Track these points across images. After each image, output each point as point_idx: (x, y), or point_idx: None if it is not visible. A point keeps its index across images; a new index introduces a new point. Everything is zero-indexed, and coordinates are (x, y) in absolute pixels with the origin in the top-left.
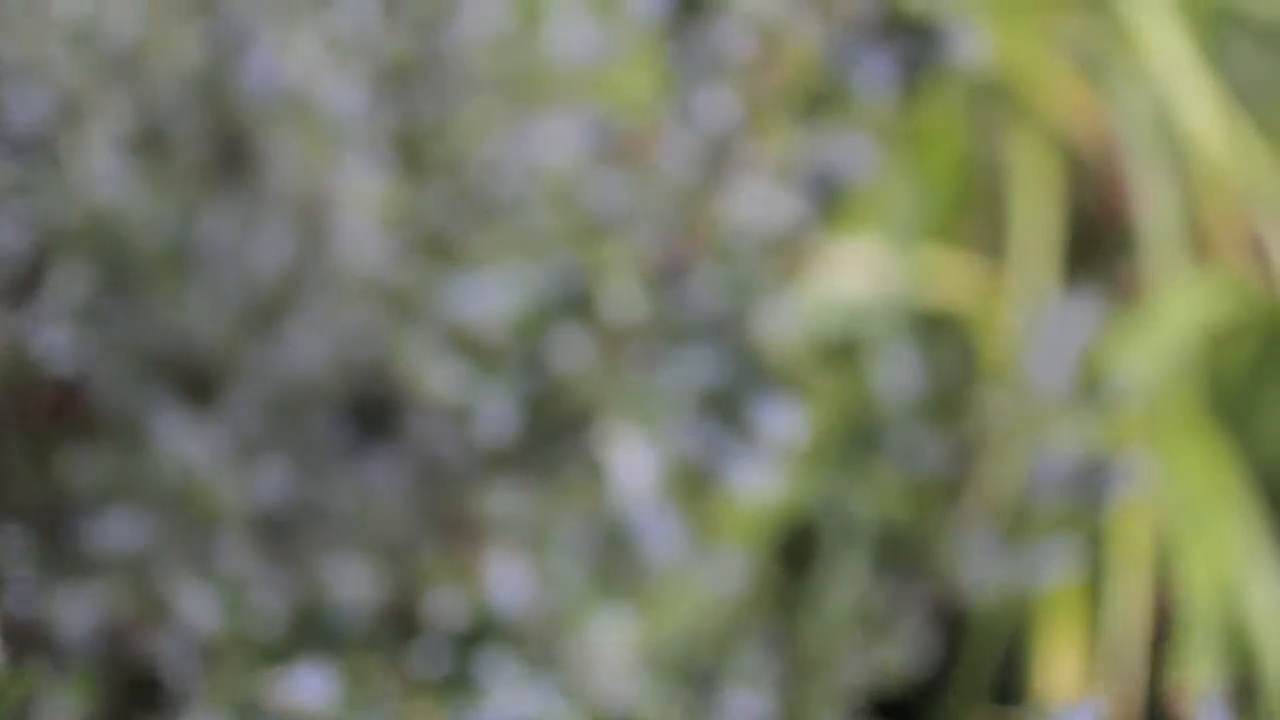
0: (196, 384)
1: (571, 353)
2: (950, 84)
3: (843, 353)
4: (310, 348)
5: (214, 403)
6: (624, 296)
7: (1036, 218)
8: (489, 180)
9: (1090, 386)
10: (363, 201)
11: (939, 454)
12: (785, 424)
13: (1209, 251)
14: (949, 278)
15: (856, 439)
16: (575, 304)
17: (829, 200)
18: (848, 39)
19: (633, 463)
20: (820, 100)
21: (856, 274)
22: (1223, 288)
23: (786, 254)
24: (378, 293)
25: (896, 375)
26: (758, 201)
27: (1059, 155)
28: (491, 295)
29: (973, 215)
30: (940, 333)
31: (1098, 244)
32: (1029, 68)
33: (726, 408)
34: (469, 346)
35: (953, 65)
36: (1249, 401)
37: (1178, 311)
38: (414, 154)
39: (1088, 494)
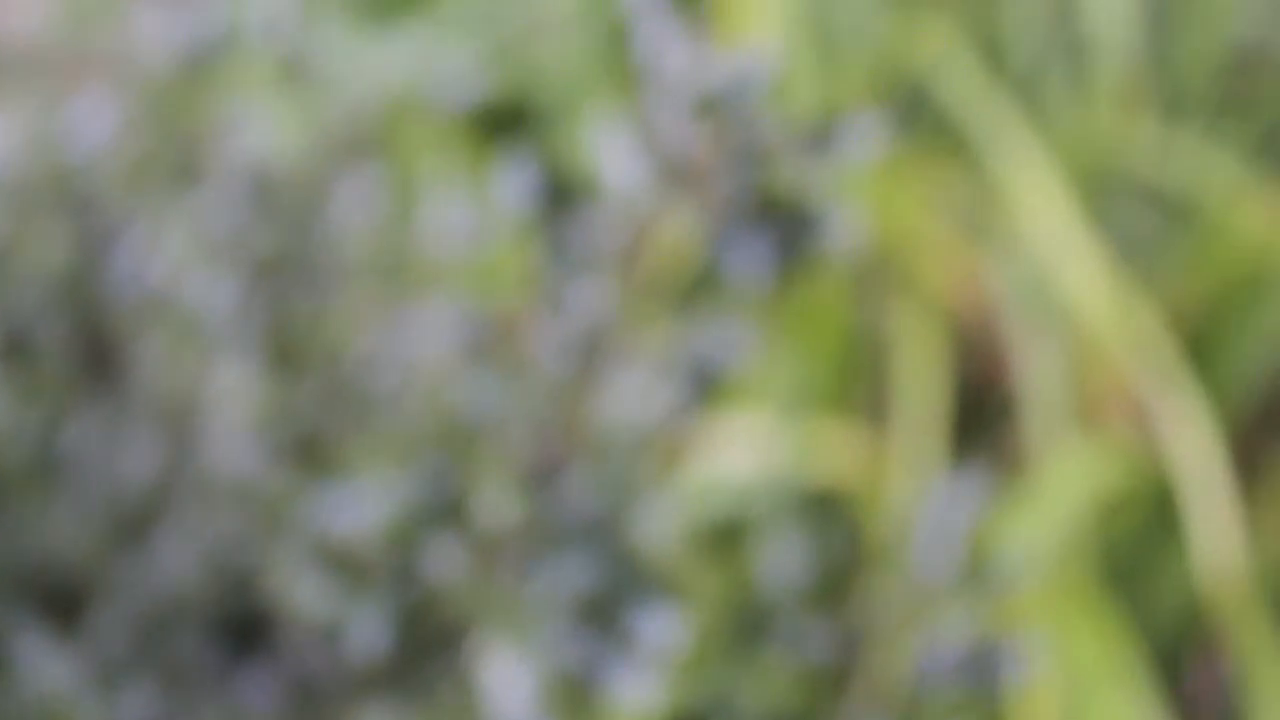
0: (60, 602)
1: (444, 562)
2: (829, 260)
3: (726, 539)
4: (179, 561)
5: (78, 622)
6: (497, 500)
7: (921, 390)
8: (362, 377)
9: (979, 564)
10: (233, 403)
11: (827, 641)
12: (665, 629)
13: (1095, 418)
14: (834, 454)
15: (742, 631)
16: (447, 510)
17: (708, 387)
18: (722, 224)
19: (508, 678)
20: (696, 286)
21: (739, 454)
22: (1110, 456)
23: (665, 444)
24: (248, 501)
25: (782, 560)
26: (634, 394)
27: (942, 324)
28: (361, 504)
29: (857, 388)
30: (826, 512)
31: (983, 414)
32: (909, 237)
33: (604, 615)
34: (339, 558)
35: (830, 244)
36: (1140, 570)
37: (1065, 482)
38: (286, 351)
39: (981, 678)
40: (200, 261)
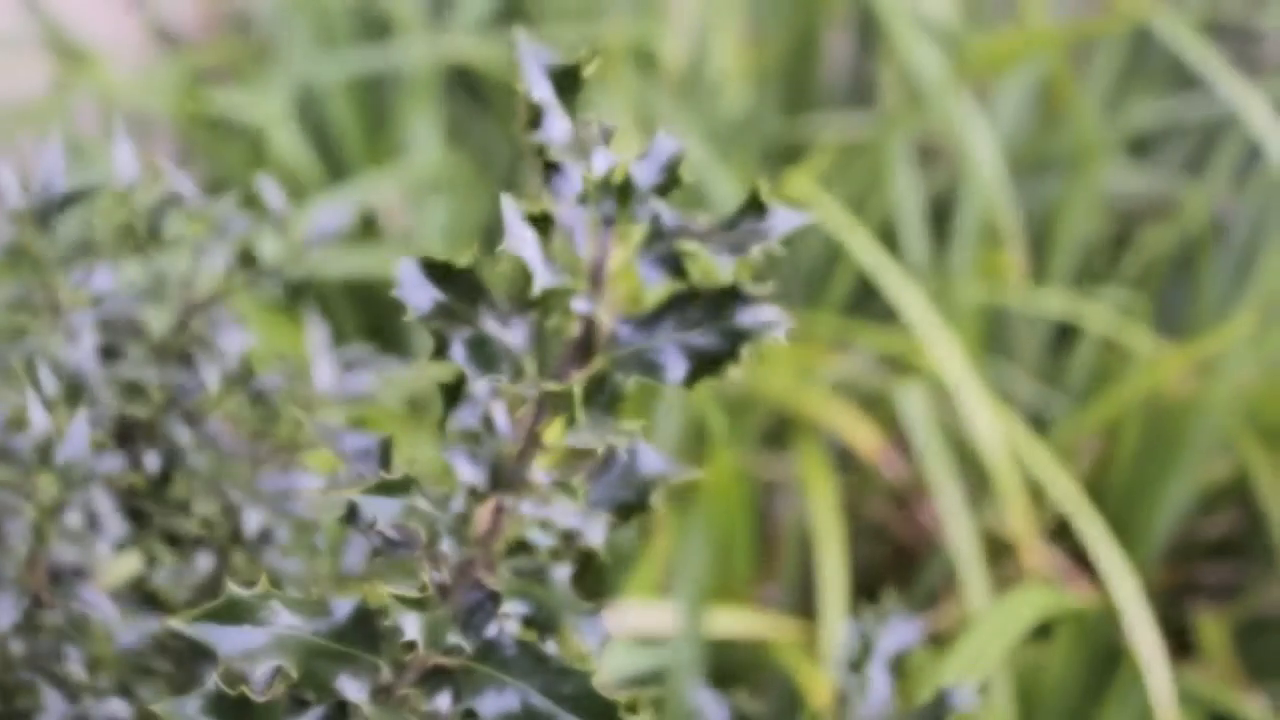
0: None
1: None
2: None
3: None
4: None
5: None
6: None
7: (837, 547)
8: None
9: (914, 707)
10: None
11: None
12: None
13: (1010, 558)
14: (753, 624)
15: None
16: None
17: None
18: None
19: None
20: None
21: (661, 616)
22: (1028, 593)
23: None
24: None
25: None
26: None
27: (857, 482)
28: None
29: (772, 560)
30: (756, 668)
31: (905, 564)
32: (817, 403)
33: None
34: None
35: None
36: (1065, 702)
37: (987, 623)
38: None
39: None
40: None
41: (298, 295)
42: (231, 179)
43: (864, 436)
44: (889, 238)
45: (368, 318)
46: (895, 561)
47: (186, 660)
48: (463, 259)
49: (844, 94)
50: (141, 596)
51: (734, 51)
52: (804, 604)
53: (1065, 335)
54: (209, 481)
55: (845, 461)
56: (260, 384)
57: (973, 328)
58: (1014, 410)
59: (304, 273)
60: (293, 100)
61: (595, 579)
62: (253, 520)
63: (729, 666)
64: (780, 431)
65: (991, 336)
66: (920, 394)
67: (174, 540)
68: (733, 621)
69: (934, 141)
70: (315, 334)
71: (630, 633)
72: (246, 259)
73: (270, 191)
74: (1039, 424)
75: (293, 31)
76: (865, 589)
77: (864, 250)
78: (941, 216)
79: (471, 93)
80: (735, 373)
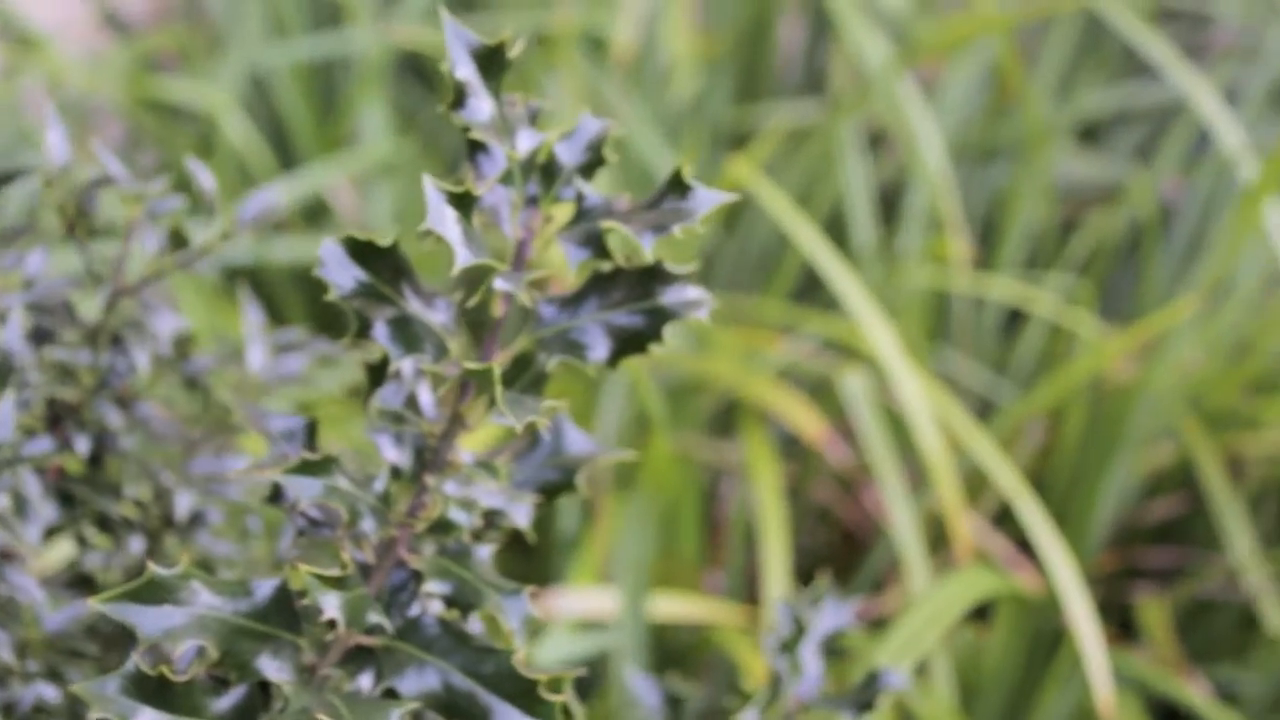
0: None
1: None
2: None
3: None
4: None
5: None
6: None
7: (780, 532)
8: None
9: (847, 688)
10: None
11: None
12: None
13: (948, 545)
14: (697, 609)
15: None
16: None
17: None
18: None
19: None
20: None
21: (603, 599)
22: (966, 577)
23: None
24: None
25: (641, 697)
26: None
27: (804, 467)
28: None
29: (720, 545)
30: (696, 659)
31: (853, 549)
32: (763, 388)
33: None
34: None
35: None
36: (1005, 684)
37: (924, 606)
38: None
39: None
40: None
41: (241, 279)
42: (182, 166)
43: (809, 422)
44: (839, 224)
45: (316, 304)
46: (843, 546)
47: (116, 643)
48: (386, 239)
49: (798, 81)
50: (74, 580)
51: (685, 38)
52: (751, 588)
53: (1015, 321)
54: (140, 464)
55: (793, 447)
56: (192, 367)
57: (921, 313)
58: (962, 396)
59: (247, 257)
60: (243, 87)
61: (539, 563)
62: (184, 503)
63: (674, 651)
64: (728, 417)
65: (941, 322)
66: (862, 380)
67: (105, 524)
68: (676, 606)
69: (885, 128)
70: (250, 317)
71: (572, 617)
72: (178, 241)
73: (202, 175)
74: (988, 409)
75: (243, 19)
76: (812, 574)
77: (805, 236)
78: (892, 202)
79: (420, 79)
80: (682, 358)
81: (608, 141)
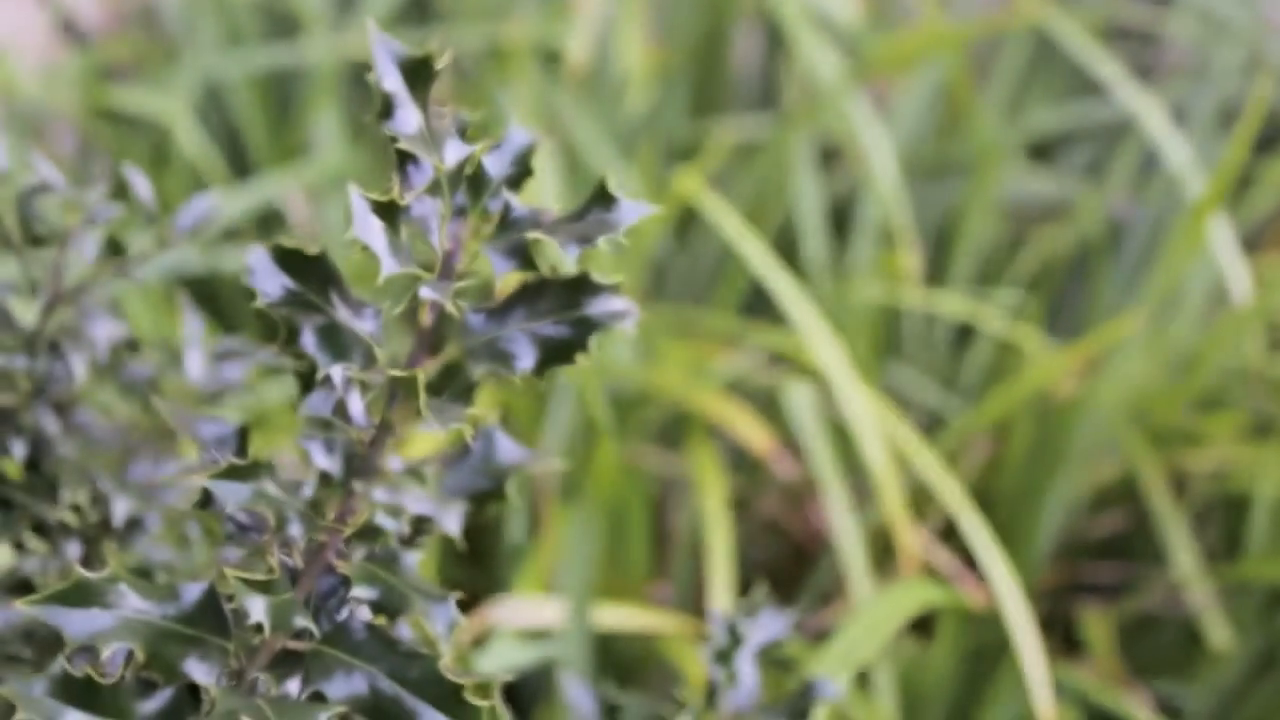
0: None
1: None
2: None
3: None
4: None
5: None
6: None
7: (726, 544)
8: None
9: (782, 697)
10: None
11: None
12: None
13: (893, 557)
14: (643, 619)
15: None
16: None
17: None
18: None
19: None
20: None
21: (547, 610)
22: (906, 589)
23: None
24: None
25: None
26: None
27: (751, 480)
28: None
29: (667, 557)
30: (643, 670)
31: (801, 562)
32: (710, 401)
33: None
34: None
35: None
36: (947, 697)
37: (864, 617)
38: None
39: None
40: None
41: (190, 290)
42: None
43: (756, 435)
44: (790, 237)
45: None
46: (791, 559)
47: (51, 647)
48: (313, 247)
49: (754, 95)
50: (13, 585)
51: (640, 51)
52: (700, 600)
53: (965, 336)
54: (78, 469)
55: (742, 460)
56: (130, 373)
57: (871, 328)
58: (912, 410)
59: (200, 266)
60: (197, 96)
61: (485, 571)
62: (121, 508)
63: (620, 661)
64: (677, 428)
65: (891, 337)
66: (807, 394)
67: (43, 529)
68: (622, 616)
69: (837, 143)
70: (189, 324)
71: (518, 626)
72: (115, 248)
73: (139, 183)
74: (936, 424)
75: (198, 28)
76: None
77: (752, 249)
78: (844, 217)
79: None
80: (631, 369)
81: (534, 153)
